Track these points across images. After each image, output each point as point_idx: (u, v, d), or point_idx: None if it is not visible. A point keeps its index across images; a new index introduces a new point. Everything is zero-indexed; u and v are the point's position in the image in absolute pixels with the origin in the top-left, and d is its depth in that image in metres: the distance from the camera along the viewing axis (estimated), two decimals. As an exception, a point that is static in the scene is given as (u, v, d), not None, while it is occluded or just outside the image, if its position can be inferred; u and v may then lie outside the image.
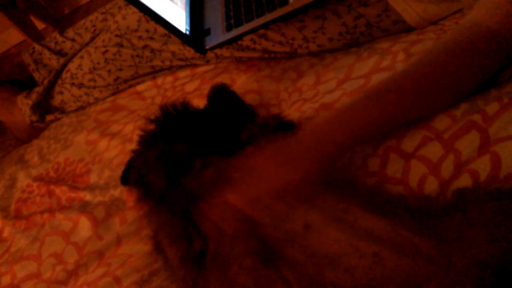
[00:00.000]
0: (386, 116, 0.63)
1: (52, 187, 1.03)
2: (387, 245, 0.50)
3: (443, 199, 0.58)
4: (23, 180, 1.11)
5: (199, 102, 0.88)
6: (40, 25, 2.29)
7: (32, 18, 2.24)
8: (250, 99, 0.95)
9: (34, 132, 1.31)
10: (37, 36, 2.24)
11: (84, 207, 0.93)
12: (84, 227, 0.89)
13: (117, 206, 0.88)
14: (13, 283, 0.90)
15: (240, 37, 0.94)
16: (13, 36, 2.33)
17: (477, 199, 0.53)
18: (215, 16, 0.99)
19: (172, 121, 0.82)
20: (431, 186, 0.61)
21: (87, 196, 0.95)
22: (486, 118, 0.61)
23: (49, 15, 2.33)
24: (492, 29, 0.58)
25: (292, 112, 0.86)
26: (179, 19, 0.96)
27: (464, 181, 0.59)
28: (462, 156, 0.61)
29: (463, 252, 0.48)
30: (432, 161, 0.63)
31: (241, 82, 0.99)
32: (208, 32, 0.98)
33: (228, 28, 0.95)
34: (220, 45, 0.96)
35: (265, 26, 0.92)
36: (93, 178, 0.99)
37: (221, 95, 0.84)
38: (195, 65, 1.10)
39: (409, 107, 0.63)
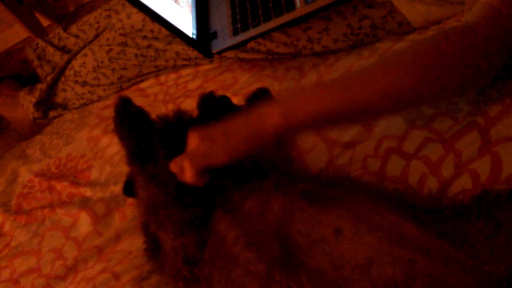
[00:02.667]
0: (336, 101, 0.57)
1: (53, 182, 1.03)
2: (422, 251, 0.48)
3: (460, 201, 0.57)
4: (24, 175, 1.12)
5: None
6: (45, 22, 2.30)
7: (37, 14, 2.24)
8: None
9: (36, 127, 1.31)
10: (42, 33, 2.24)
11: (85, 203, 0.93)
12: (84, 222, 0.89)
13: (117, 202, 0.88)
14: (13, 278, 0.90)
15: (247, 41, 0.94)
16: (18, 32, 2.33)
17: (501, 201, 0.51)
18: (221, 20, 0.99)
19: (168, 133, 0.78)
20: (432, 185, 0.61)
21: (88, 192, 0.95)
22: (488, 119, 0.61)
23: (54, 12, 2.33)
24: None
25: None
26: (186, 23, 0.96)
27: (464, 181, 0.59)
28: (462, 156, 0.61)
29: (495, 258, 0.46)
30: (432, 160, 0.63)
31: (243, 81, 1.00)
32: (214, 35, 0.98)
33: (235, 33, 0.94)
34: (227, 50, 0.96)
35: (272, 31, 0.92)
36: (94, 174, 0.99)
37: (208, 104, 0.81)
38: (198, 64, 1.10)
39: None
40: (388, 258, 0.48)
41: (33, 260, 0.90)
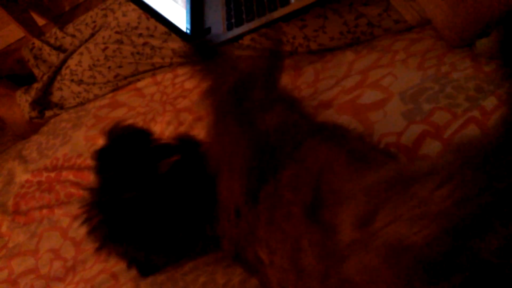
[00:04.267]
0: None
1: (51, 182, 1.02)
2: None
3: None
4: (21, 176, 1.11)
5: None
6: (40, 21, 2.29)
7: (33, 14, 2.23)
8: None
9: (32, 127, 1.31)
10: (38, 32, 2.23)
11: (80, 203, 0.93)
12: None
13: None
14: (11, 278, 0.89)
15: (241, 36, 0.94)
16: (13, 32, 2.33)
17: None
18: (215, 15, 0.99)
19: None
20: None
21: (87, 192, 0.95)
22: (485, 113, 0.61)
23: (49, 11, 2.33)
24: None
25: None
26: (180, 17, 0.96)
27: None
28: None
29: None
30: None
31: (241, 80, 0.99)
32: (208, 31, 0.98)
33: (229, 27, 0.94)
34: (220, 45, 0.95)
35: (267, 26, 0.91)
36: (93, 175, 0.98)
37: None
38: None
39: None
40: None
41: (31, 261, 0.90)
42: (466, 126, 0.63)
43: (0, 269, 0.93)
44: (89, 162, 1.03)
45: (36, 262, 0.89)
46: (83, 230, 0.84)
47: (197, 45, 0.82)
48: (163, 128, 0.99)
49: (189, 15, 0.99)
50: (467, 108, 0.65)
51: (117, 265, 0.80)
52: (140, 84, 1.16)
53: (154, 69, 1.14)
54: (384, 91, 0.75)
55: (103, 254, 0.72)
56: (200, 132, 0.93)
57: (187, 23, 0.97)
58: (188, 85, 1.07)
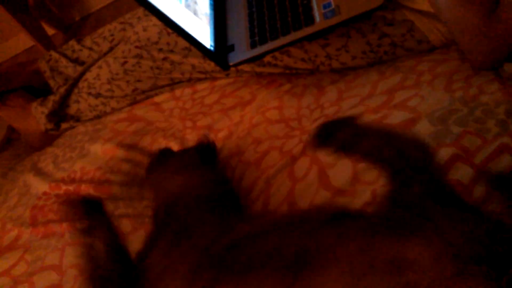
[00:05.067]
0: None
1: (70, 195, 1.02)
2: None
3: None
4: (38, 188, 1.11)
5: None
6: (50, 31, 2.30)
7: (43, 23, 2.25)
8: (270, 114, 0.95)
9: (47, 139, 1.31)
10: (47, 42, 2.24)
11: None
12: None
13: (143, 220, 0.87)
14: (31, 293, 0.89)
15: (264, 55, 0.95)
16: (23, 41, 2.34)
17: None
18: (239, 33, 1.00)
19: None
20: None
21: (109, 206, 0.95)
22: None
23: (59, 21, 2.34)
24: None
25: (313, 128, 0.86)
26: (204, 34, 0.96)
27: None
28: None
29: None
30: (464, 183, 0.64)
31: (261, 98, 1.00)
32: (232, 48, 0.98)
33: (253, 45, 0.95)
34: (244, 62, 0.96)
35: (290, 45, 0.92)
36: (114, 189, 0.98)
37: None
38: (214, 78, 1.11)
39: None
40: None
41: (54, 276, 0.89)
42: (498, 154, 0.63)
43: (21, 283, 0.92)
44: (108, 175, 1.03)
45: (60, 278, 0.89)
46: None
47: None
48: (183, 146, 0.99)
49: (212, 31, 1.00)
50: (498, 133, 0.66)
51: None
52: (158, 99, 1.16)
53: (173, 84, 1.15)
54: (412, 111, 0.75)
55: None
56: (223, 153, 0.93)
57: (210, 39, 0.97)
58: (208, 101, 1.07)
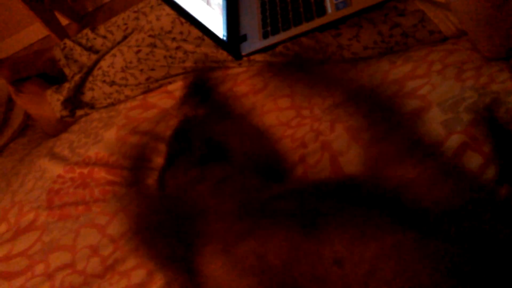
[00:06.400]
0: None
1: (85, 179, 1.05)
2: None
3: None
4: (53, 171, 1.13)
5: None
6: (63, 21, 2.33)
7: (57, 13, 2.28)
8: (282, 103, 0.96)
9: (62, 125, 1.33)
10: (61, 32, 2.28)
11: (119, 201, 0.95)
12: (121, 221, 0.91)
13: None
14: (47, 272, 0.92)
15: (276, 45, 0.96)
16: (38, 31, 2.37)
17: None
18: (251, 23, 1.01)
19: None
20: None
21: (123, 190, 0.97)
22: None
23: (73, 12, 2.37)
24: None
25: (325, 116, 0.88)
26: (217, 25, 0.98)
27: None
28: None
29: None
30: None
31: (273, 86, 1.01)
32: (244, 38, 1.00)
33: (265, 36, 0.97)
34: (256, 52, 0.98)
35: (302, 35, 0.94)
36: (126, 172, 1.00)
37: None
38: (227, 67, 1.12)
39: None
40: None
41: (67, 256, 0.92)
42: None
43: (37, 263, 0.95)
44: (122, 161, 1.06)
45: (73, 257, 0.91)
46: (122, 228, 0.87)
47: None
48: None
49: (225, 22, 1.01)
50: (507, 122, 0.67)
51: (153, 262, 0.82)
52: (171, 87, 1.18)
53: (186, 73, 1.17)
54: (423, 100, 0.77)
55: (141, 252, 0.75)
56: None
57: (223, 30, 0.99)
58: (221, 89, 1.08)
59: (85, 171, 1.08)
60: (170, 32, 1.14)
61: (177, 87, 1.17)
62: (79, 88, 1.27)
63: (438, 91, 0.77)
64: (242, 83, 1.06)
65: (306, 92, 0.95)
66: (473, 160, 0.66)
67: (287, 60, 1.05)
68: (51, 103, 1.30)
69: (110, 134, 1.14)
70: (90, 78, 1.26)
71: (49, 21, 2.23)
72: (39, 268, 0.94)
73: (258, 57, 1.06)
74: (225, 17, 1.02)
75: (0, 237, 1.07)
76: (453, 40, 0.89)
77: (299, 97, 0.95)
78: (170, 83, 1.19)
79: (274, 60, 1.06)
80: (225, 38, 0.97)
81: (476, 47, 0.82)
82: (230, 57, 1.09)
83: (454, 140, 0.68)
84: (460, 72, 0.79)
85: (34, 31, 2.39)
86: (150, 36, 1.16)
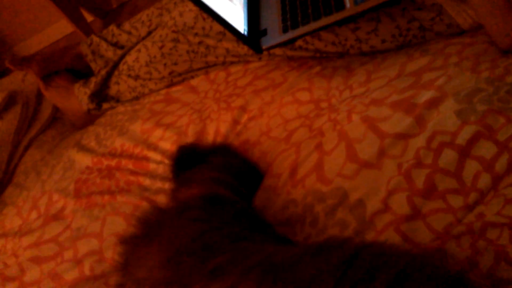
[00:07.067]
0: None
1: (111, 170, 1.09)
2: None
3: None
4: (81, 162, 1.18)
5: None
6: (88, 18, 2.39)
7: (82, 10, 2.34)
8: (300, 95, 0.99)
9: (89, 118, 1.38)
10: (86, 28, 2.34)
11: (143, 192, 0.99)
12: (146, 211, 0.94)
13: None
14: (76, 258, 0.96)
15: (296, 39, 0.98)
16: (63, 27, 2.43)
17: None
18: (271, 18, 1.04)
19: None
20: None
21: (146, 181, 1.01)
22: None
23: (97, 8, 2.43)
24: None
25: (342, 107, 0.90)
26: (238, 19, 1.01)
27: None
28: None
29: None
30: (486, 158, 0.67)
31: (292, 79, 1.04)
32: (264, 32, 1.03)
33: (285, 30, 0.99)
34: (276, 46, 1.00)
35: (321, 29, 0.96)
36: (152, 166, 1.04)
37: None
38: (247, 61, 1.15)
39: None
40: None
41: (95, 243, 0.97)
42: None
43: (66, 249, 1.00)
44: (146, 152, 1.10)
45: (100, 244, 0.96)
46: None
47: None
48: (219, 127, 1.04)
49: (246, 16, 1.04)
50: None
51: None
52: (193, 82, 1.21)
53: (208, 67, 1.20)
54: (438, 90, 0.78)
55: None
56: (254, 132, 0.98)
57: (244, 24, 1.02)
58: (241, 83, 1.11)
59: (113, 163, 1.12)
60: (192, 27, 1.17)
61: (199, 82, 1.20)
62: (105, 82, 1.31)
63: (454, 82, 0.78)
64: (262, 77, 1.09)
65: (324, 85, 0.98)
66: (486, 149, 0.68)
67: (306, 54, 1.07)
68: (79, 97, 1.35)
69: (135, 127, 1.18)
70: (116, 73, 1.30)
71: (74, 18, 2.29)
72: (68, 254, 0.99)
73: (277, 51, 1.09)
74: (246, 12, 1.05)
75: (31, 224, 1.12)
76: (470, 33, 0.90)
77: (317, 90, 0.97)
78: (192, 77, 1.23)
79: (293, 54, 1.08)
80: (245, 33, 1.00)
81: (492, 39, 0.83)
82: (250, 52, 1.12)
83: (468, 130, 0.70)
84: (476, 64, 0.80)
85: (60, 28, 2.46)
86: (173, 31, 1.19)
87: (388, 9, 0.96)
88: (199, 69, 1.21)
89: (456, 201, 0.67)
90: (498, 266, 0.58)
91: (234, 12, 1.01)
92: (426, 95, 0.78)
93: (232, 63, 1.18)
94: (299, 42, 1.06)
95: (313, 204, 0.79)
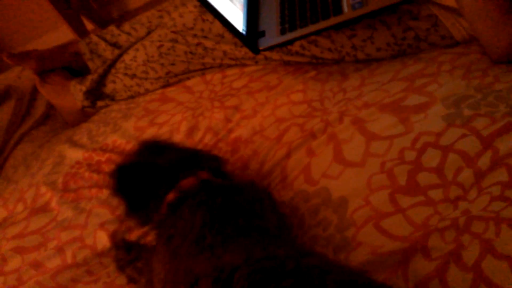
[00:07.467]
0: None
1: (100, 164, 1.09)
2: None
3: None
4: (71, 157, 1.18)
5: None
6: (89, 26, 2.41)
7: (83, 18, 2.36)
8: (294, 97, 1.00)
9: (83, 116, 1.38)
10: (86, 36, 2.35)
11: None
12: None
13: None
14: (58, 246, 0.95)
15: (293, 41, 1.00)
16: (63, 34, 2.45)
17: None
18: (270, 19, 1.06)
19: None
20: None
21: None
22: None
23: (98, 17, 2.45)
24: None
25: (334, 109, 0.91)
26: (237, 19, 1.03)
27: (500, 173, 0.63)
28: (500, 153, 0.65)
29: None
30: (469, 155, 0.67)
31: (287, 82, 1.05)
32: (262, 34, 1.04)
33: (282, 32, 1.01)
34: (273, 47, 1.02)
35: (318, 33, 0.98)
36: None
37: None
38: (244, 65, 1.16)
39: None
40: None
41: (77, 232, 0.96)
42: (506, 131, 0.67)
43: (50, 239, 0.98)
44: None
45: (81, 232, 0.95)
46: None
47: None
48: (211, 124, 1.04)
49: (245, 17, 1.06)
50: (507, 113, 0.69)
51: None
52: (189, 83, 1.22)
53: (204, 69, 1.21)
54: (428, 95, 0.80)
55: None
56: (247, 130, 0.98)
57: (243, 24, 1.03)
58: (236, 84, 1.12)
59: (103, 158, 1.12)
60: (192, 28, 1.18)
61: (195, 83, 1.21)
62: (101, 80, 1.32)
63: (444, 88, 0.80)
64: (257, 80, 1.10)
65: (319, 88, 0.99)
66: (468, 143, 0.69)
67: (303, 60, 1.09)
68: (74, 93, 1.35)
69: (128, 124, 1.18)
70: (113, 71, 1.31)
71: (75, 25, 2.31)
72: (52, 244, 0.97)
73: (274, 56, 1.11)
74: (245, 13, 1.07)
75: (16, 216, 1.11)
76: (463, 45, 0.92)
77: (311, 92, 0.98)
78: (188, 78, 1.24)
79: (290, 59, 1.10)
80: (244, 32, 1.02)
81: (485, 50, 0.85)
82: (247, 55, 1.13)
83: (453, 132, 0.71)
84: (468, 72, 0.82)
85: (60, 35, 2.47)
86: (172, 32, 1.21)
87: (384, 17, 0.98)
88: (195, 70, 1.22)
89: (436, 194, 0.68)
90: (484, 260, 0.58)
91: (234, 12, 1.03)
92: (415, 99, 0.80)
93: (229, 66, 1.19)
94: (296, 48, 1.07)
95: (298, 207, 0.80)
